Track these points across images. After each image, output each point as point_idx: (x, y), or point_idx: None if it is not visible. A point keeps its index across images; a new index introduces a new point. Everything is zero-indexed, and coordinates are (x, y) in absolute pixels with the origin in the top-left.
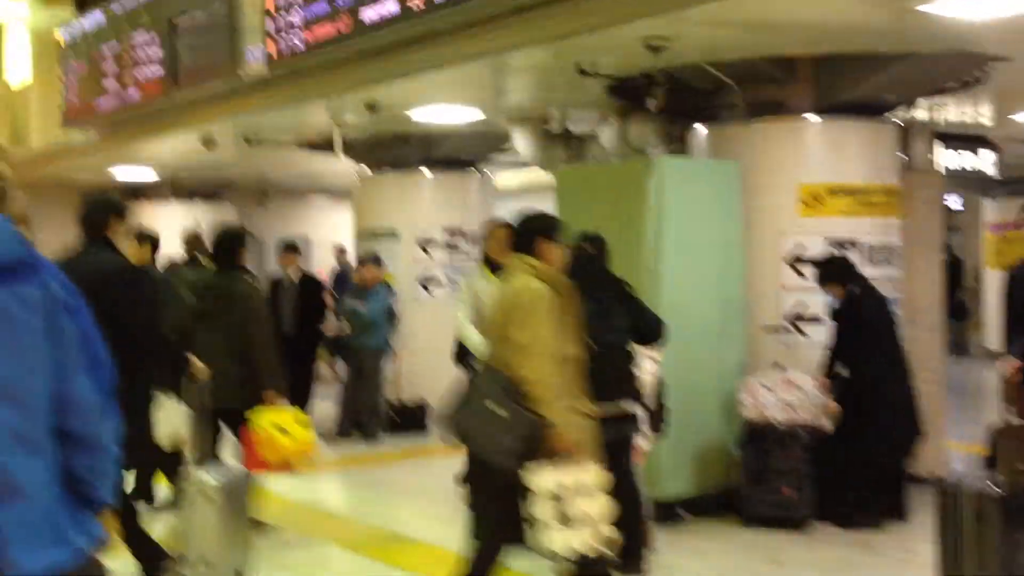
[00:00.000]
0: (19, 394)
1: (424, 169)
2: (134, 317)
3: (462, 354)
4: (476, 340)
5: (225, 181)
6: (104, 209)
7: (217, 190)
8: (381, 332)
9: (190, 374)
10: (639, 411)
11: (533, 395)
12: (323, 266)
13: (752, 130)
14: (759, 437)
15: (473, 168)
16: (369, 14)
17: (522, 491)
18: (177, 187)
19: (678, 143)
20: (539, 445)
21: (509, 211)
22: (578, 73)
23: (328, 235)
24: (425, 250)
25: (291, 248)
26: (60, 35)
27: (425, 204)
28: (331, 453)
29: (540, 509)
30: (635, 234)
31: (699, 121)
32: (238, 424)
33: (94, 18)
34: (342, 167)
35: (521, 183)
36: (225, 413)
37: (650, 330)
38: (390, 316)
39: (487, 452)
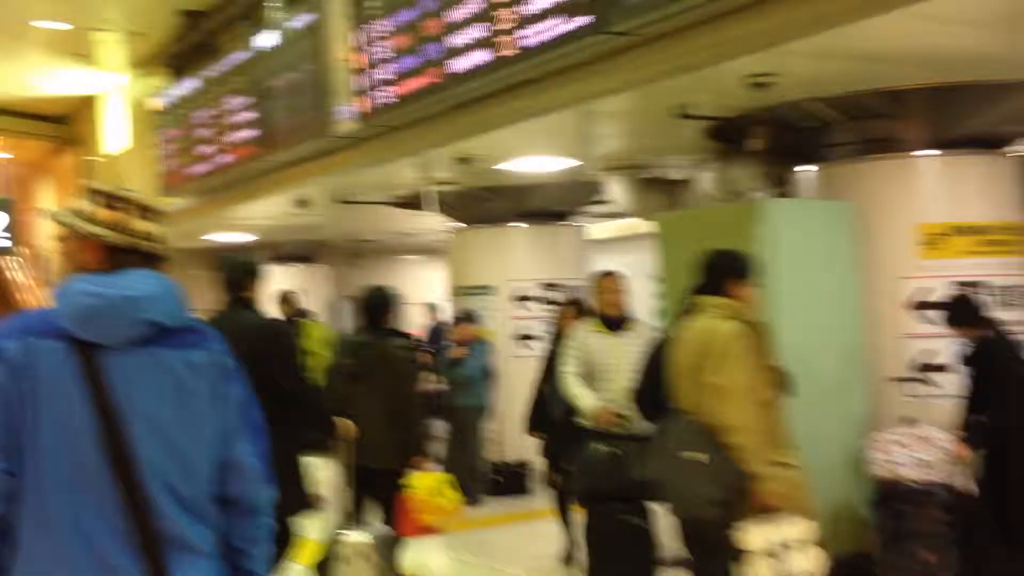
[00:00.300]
0: (187, 459)
1: (517, 222)
2: (282, 376)
3: (540, 417)
4: (586, 398)
5: (318, 242)
6: (243, 271)
7: (310, 251)
8: (479, 390)
9: (338, 434)
10: None
11: (735, 442)
12: (416, 324)
13: (863, 169)
14: (892, 497)
15: (566, 220)
16: (459, 65)
17: (731, 551)
18: (271, 249)
19: (782, 185)
20: (744, 496)
21: (606, 262)
22: (676, 116)
23: (420, 293)
24: (522, 305)
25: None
26: (156, 103)
27: (519, 258)
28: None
29: (756, 569)
30: None
31: (804, 161)
32: (386, 485)
33: (189, 85)
34: (433, 223)
35: (615, 233)
36: (375, 473)
37: None
38: (488, 374)
39: (687, 504)
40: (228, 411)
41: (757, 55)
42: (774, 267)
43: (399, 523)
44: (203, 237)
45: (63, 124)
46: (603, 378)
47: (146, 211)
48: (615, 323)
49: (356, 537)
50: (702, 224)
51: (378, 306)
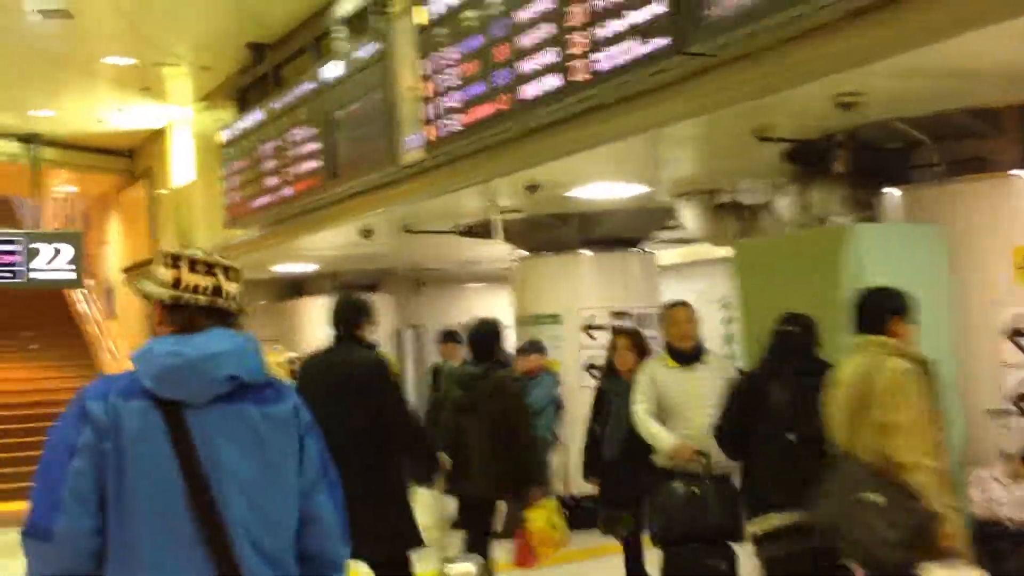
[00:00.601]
0: (271, 514)
1: (584, 249)
2: (393, 413)
3: (593, 459)
4: (662, 435)
5: (382, 271)
6: (356, 310)
7: (373, 280)
8: (546, 422)
9: (443, 468)
10: None
11: (914, 481)
12: None
13: (954, 190)
14: (991, 537)
15: (635, 246)
16: (529, 91)
17: None
18: (335, 279)
19: (865, 209)
20: (927, 538)
21: (676, 290)
22: (755, 139)
23: None
24: (590, 334)
25: (452, 337)
26: (222, 136)
27: (587, 286)
28: (500, 551)
29: None
30: (829, 309)
31: (889, 184)
32: (493, 516)
33: (254, 117)
34: (498, 252)
35: (684, 259)
36: (484, 505)
37: None
38: (555, 405)
39: (866, 548)
40: (307, 465)
41: (843, 74)
42: None
43: (517, 555)
44: (268, 268)
45: (130, 158)
46: (678, 415)
47: (212, 268)
48: (688, 356)
49: (462, 568)
50: (784, 250)
51: (488, 338)
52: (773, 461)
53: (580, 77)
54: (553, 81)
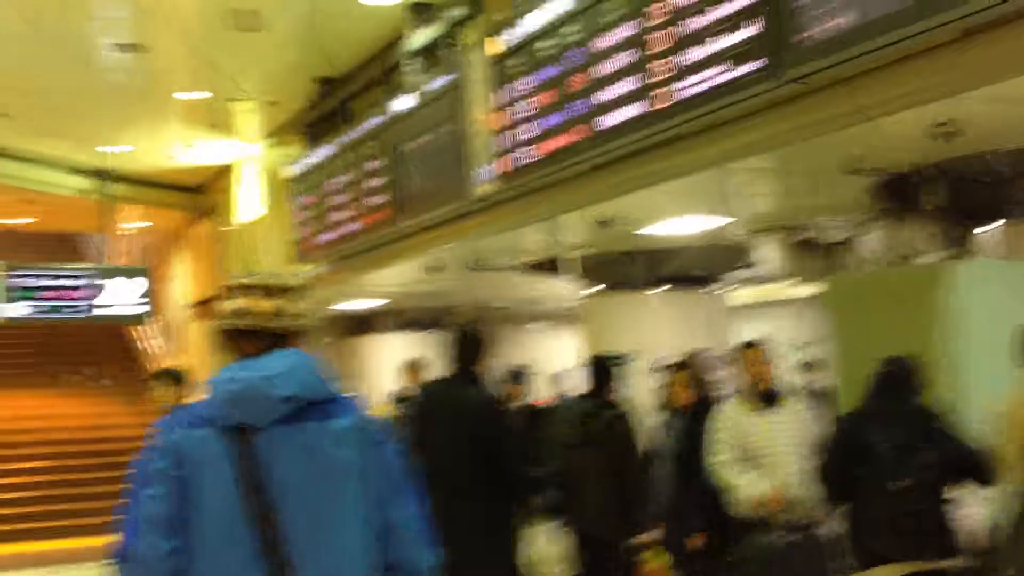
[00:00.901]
0: (339, 530)
1: (655, 288)
2: (503, 455)
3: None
4: (750, 485)
5: (444, 309)
6: (476, 345)
7: (436, 318)
8: None
9: (549, 506)
10: (961, 568)
11: None
12: (543, 395)
13: None
14: None
15: (707, 285)
16: (607, 121)
17: None
18: (398, 316)
19: (957, 245)
20: None
21: (748, 329)
22: (842, 173)
23: (546, 362)
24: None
25: (517, 378)
26: (290, 171)
27: (658, 325)
28: None
29: None
30: (927, 349)
31: (986, 219)
32: (607, 554)
33: (322, 152)
34: (561, 290)
35: (755, 300)
36: (596, 543)
37: (972, 466)
38: None
39: None
40: (380, 476)
41: (943, 102)
42: (964, 334)
43: None
44: (335, 305)
45: (198, 194)
46: (760, 462)
47: (271, 291)
48: (766, 398)
49: None
50: (876, 287)
51: (600, 374)
52: (878, 509)
53: (661, 106)
54: (633, 110)
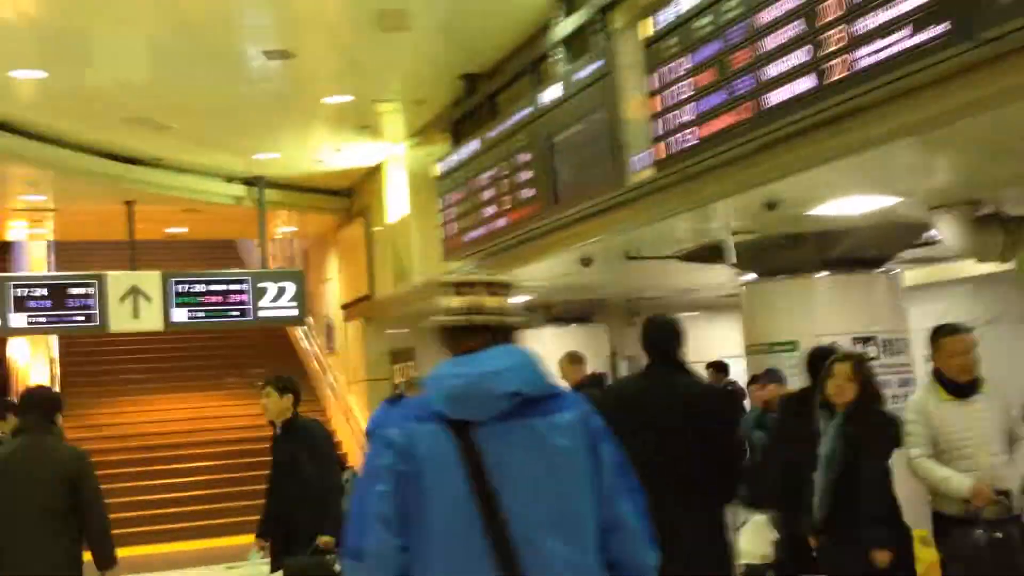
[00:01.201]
0: (569, 524)
1: (822, 271)
2: (724, 437)
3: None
4: (956, 478)
5: (595, 302)
6: (674, 333)
7: (586, 311)
8: None
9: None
10: None
11: None
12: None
13: None
14: None
15: (877, 267)
16: (776, 97)
17: None
18: (547, 311)
19: None
20: None
21: (920, 312)
22: None
23: (702, 352)
24: None
25: (720, 368)
26: (436, 169)
27: (827, 310)
28: None
29: None
30: None
31: None
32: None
33: (469, 147)
34: (718, 278)
35: (927, 278)
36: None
37: None
38: None
39: None
40: (602, 472)
41: None
42: None
43: None
44: None
45: (347, 197)
46: (959, 454)
47: (494, 288)
48: (964, 388)
49: None
50: None
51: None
52: None
53: (836, 77)
54: (805, 84)
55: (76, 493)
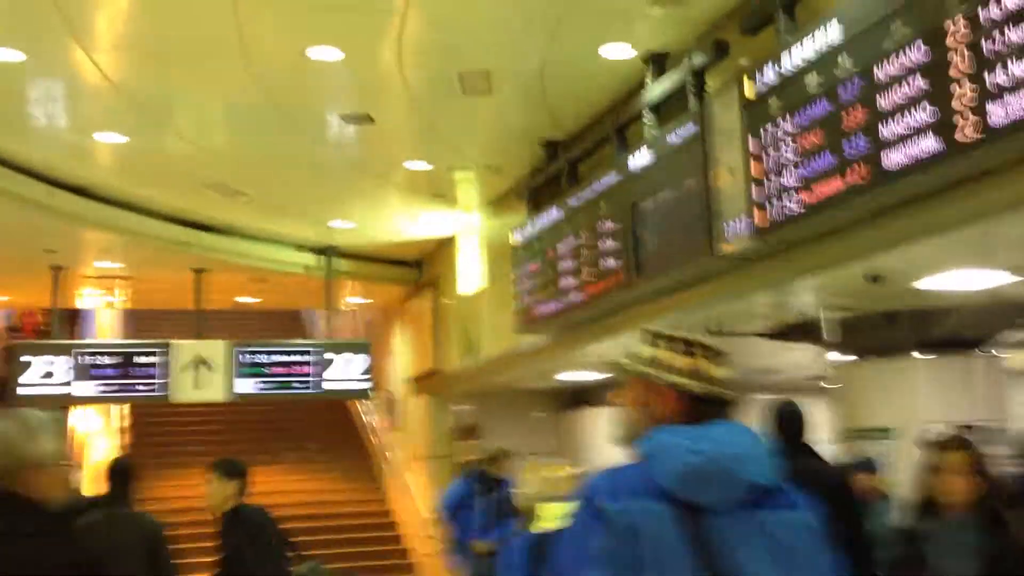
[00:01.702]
0: None
1: (919, 352)
2: (854, 524)
3: None
4: None
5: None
6: (799, 419)
7: None
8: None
9: None
10: None
11: None
12: None
13: None
14: None
15: (977, 348)
16: (894, 158)
17: None
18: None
19: None
20: None
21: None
22: None
23: None
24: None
25: (869, 467)
26: (513, 238)
27: (923, 394)
28: None
29: None
30: None
31: None
32: None
33: (549, 216)
34: (800, 358)
35: None
36: None
37: None
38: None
39: None
40: (823, 570)
41: None
42: None
43: None
44: (553, 377)
45: (416, 268)
46: None
47: (719, 355)
48: None
49: None
50: None
51: None
52: None
53: (967, 137)
54: (929, 145)
55: (155, 560)
